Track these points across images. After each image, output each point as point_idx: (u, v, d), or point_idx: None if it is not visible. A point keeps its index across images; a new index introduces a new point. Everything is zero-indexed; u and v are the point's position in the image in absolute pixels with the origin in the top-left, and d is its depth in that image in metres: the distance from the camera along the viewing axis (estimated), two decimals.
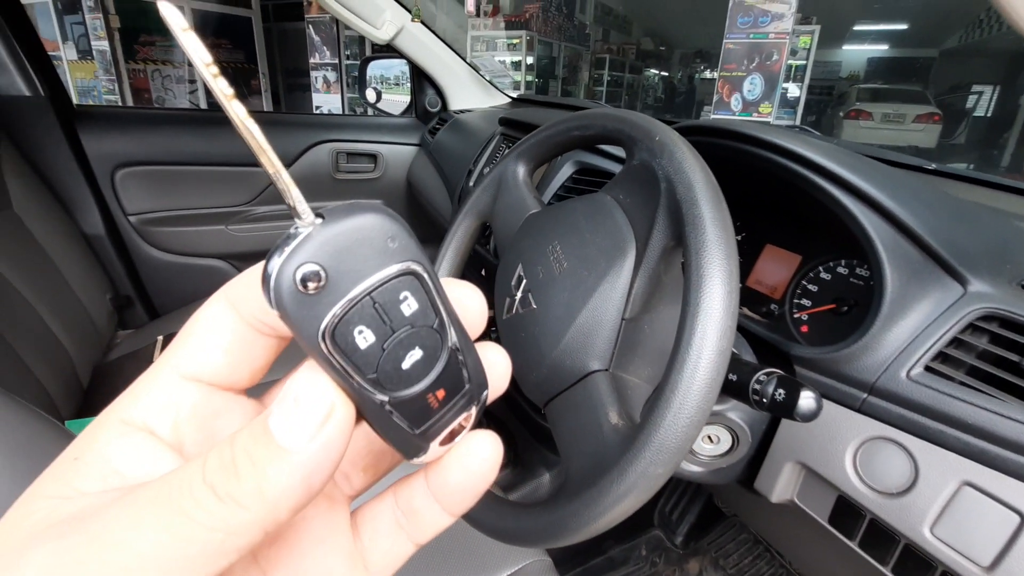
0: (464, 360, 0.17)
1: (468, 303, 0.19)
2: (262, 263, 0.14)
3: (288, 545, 0.17)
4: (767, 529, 0.73)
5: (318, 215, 0.14)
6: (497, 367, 0.19)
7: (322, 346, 0.14)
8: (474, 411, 0.18)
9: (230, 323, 0.15)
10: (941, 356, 0.44)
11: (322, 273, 0.13)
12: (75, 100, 1.30)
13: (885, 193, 0.46)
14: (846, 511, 0.47)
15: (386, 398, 0.15)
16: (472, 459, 0.18)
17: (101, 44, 5.95)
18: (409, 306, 0.15)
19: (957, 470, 0.41)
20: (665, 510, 1.08)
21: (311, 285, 0.13)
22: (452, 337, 0.16)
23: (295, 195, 0.13)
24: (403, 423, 0.16)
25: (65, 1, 6.01)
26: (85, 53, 6.14)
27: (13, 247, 0.98)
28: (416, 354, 0.15)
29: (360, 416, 0.15)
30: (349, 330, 0.14)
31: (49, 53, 1.25)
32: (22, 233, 1.03)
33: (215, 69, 0.12)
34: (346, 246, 0.14)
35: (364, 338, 0.14)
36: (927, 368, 0.44)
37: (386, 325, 0.15)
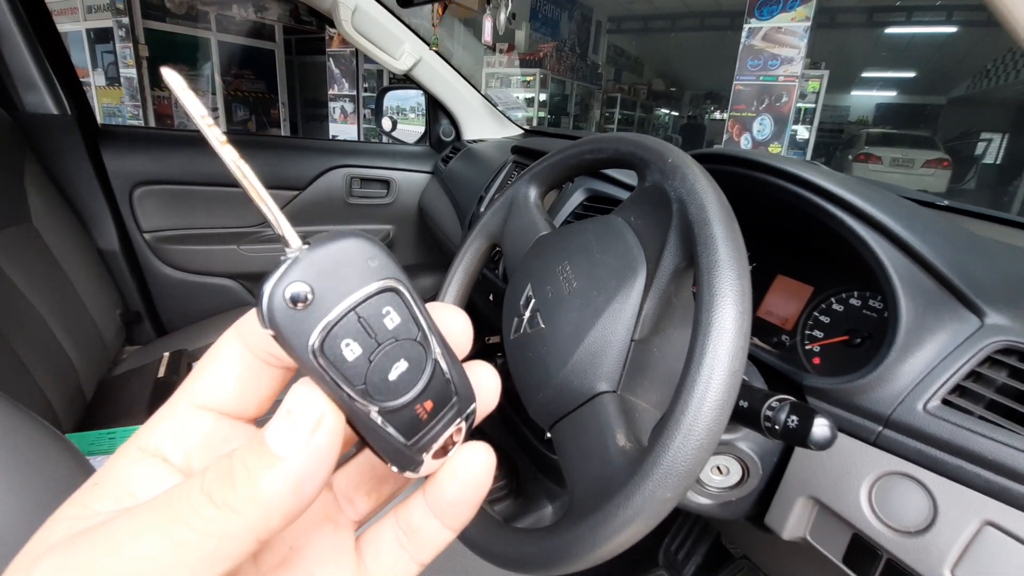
0: (449, 372, 0.18)
1: (452, 324, 0.19)
2: None
3: (292, 566, 0.18)
4: (778, 570, 0.70)
5: (305, 242, 0.15)
6: (486, 384, 0.20)
7: (312, 359, 0.15)
8: (464, 424, 0.18)
9: (239, 354, 0.16)
10: (959, 389, 0.43)
11: (309, 293, 0.15)
12: (101, 122, 1.34)
13: (900, 223, 0.46)
14: (862, 550, 0.45)
15: (376, 408, 0.16)
16: (466, 470, 0.18)
17: (129, 72, 6.18)
18: (392, 320, 0.16)
19: (978, 508, 0.39)
20: (671, 549, 1.05)
21: (299, 304, 0.14)
22: (436, 349, 0.17)
23: (284, 226, 0.15)
24: (394, 434, 0.16)
25: (98, 31, 6.27)
26: (113, 80, 6.37)
27: (29, 260, 0.99)
28: (402, 365, 0.16)
29: (354, 430, 0.16)
30: (336, 343, 0.15)
31: (80, 80, 1.29)
32: (39, 246, 1.04)
33: (210, 120, 0.14)
34: (330, 267, 0.15)
35: (351, 351, 0.15)
36: (944, 401, 0.43)
37: (371, 338, 0.16)
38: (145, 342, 1.36)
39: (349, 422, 0.16)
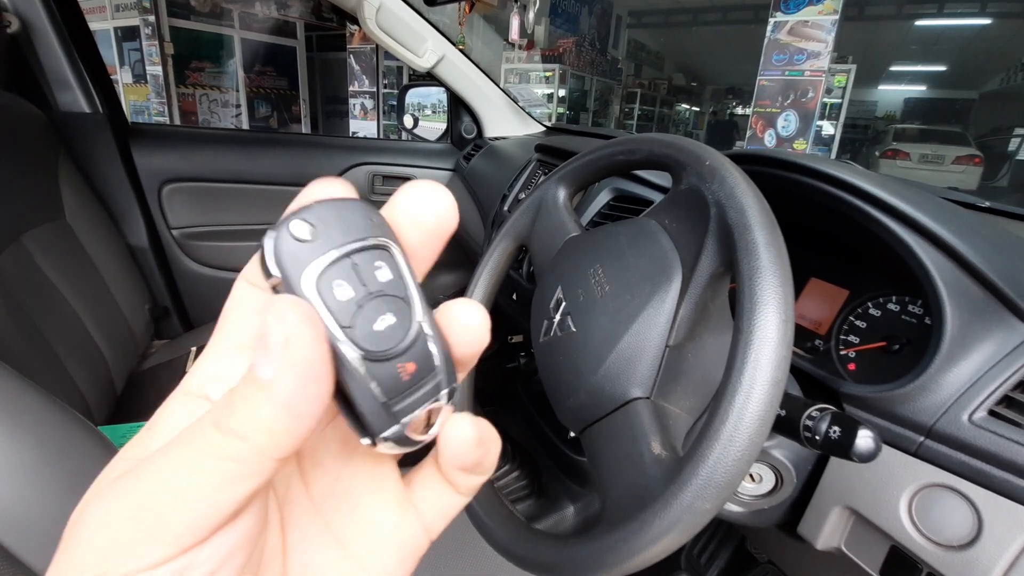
0: (433, 343, 0.18)
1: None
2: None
3: (339, 494, 0.19)
4: None
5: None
6: (468, 322, 0.19)
7: (305, 291, 0.15)
8: (444, 402, 0.18)
9: (254, 293, 0.17)
10: (1006, 400, 0.42)
11: (311, 231, 0.16)
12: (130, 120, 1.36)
13: (945, 226, 0.44)
14: (900, 563, 0.44)
15: (360, 353, 0.16)
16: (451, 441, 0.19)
17: (155, 69, 6.29)
18: (383, 275, 0.17)
19: None
20: (693, 553, 1.04)
21: (301, 236, 0.15)
22: (420, 313, 0.17)
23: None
24: (375, 388, 0.16)
25: (125, 29, 6.39)
26: (139, 77, 6.49)
27: (63, 255, 1.01)
28: (389, 319, 0.17)
29: (336, 379, 0.16)
30: (330, 282, 0.16)
31: (111, 78, 1.31)
32: (72, 242, 1.07)
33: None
34: (334, 214, 0.16)
35: (343, 292, 0.16)
36: (991, 412, 0.41)
37: (362, 286, 0.16)
38: (173, 336, 1.39)
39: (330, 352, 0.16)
